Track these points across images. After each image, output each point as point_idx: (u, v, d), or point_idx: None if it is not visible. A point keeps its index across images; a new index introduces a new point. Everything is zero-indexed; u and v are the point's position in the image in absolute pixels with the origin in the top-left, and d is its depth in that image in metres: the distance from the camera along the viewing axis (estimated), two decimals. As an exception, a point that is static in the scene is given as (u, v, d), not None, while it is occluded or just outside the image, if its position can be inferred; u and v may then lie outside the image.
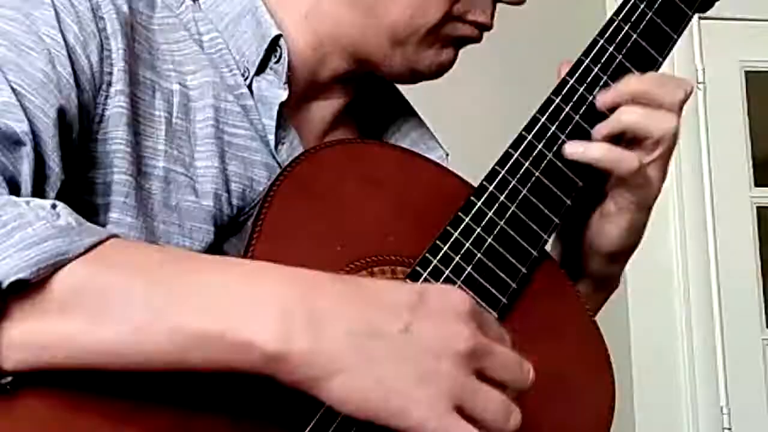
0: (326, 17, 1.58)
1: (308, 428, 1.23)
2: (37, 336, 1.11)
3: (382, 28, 1.55)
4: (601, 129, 1.54)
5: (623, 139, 1.54)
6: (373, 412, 1.13)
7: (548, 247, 1.57)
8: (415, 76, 1.62)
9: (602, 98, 1.56)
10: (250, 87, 1.55)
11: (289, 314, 1.12)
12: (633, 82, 1.56)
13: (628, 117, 1.53)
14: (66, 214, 1.15)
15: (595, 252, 1.62)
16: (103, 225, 1.37)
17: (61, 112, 1.32)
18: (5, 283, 1.07)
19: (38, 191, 1.28)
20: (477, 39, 1.62)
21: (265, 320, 1.12)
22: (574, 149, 1.53)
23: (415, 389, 1.12)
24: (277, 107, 1.53)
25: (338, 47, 1.59)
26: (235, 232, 1.50)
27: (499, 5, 1.61)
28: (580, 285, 1.64)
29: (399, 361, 1.13)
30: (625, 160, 1.52)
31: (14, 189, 1.24)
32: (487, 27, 1.61)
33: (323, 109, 1.66)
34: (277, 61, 1.54)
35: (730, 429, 4.10)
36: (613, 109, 1.55)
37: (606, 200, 1.58)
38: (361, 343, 1.13)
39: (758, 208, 4.33)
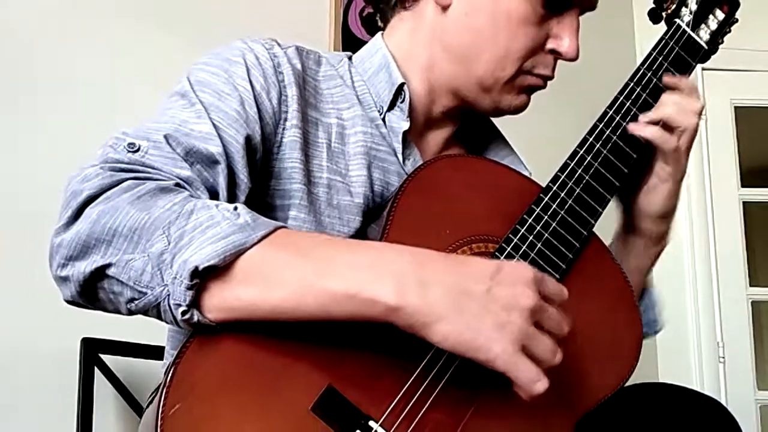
0: (437, 70, 1.60)
1: (425, 360, 1.25)
2: (226, 302, 1.16)
3: (473, 78, 1.57)
4: (645, 117, 1.57)
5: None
6: (464, 349, 1.15)
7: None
8: (499, 112, 1.63)
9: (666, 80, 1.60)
10: (384, 119, 1.57)
11: (404, 279, 1.15)
12: (682, 80, 1.61)
13: (667, 109, 1.56)
14: (244, 213, 1.19)
15: (647, 216, 1.64)
16: (285, 220, 1.42)
17: (248, 139, 1.37)
18: (201, 267, 1.12)
19: (232, 195, 1.34)
20: (542, 87, 1.62)
21: (387, 283, 1.14)
22: (635, 127, 1.57)
23: (493, 333, 1.15)
24: (401, 134, 1.56)
25: (445, 90, 1.61)
26: (375, 218, 1.51)
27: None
28: (639, 241, 1.67)
29: (482, 312, 1.15)
30: (669, 140, 1.55)
31: (214, 195, 1.30)
32: (550, 77, 1.61)
33: (437, 136, 1.68)
34: (402, 101, 1.57)
35: (723, 357, 4.07)
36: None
37: (650, 177, 1.61)
38: (456, 299, 1.15)
39: (744, 202, 4.30)
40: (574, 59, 1.59)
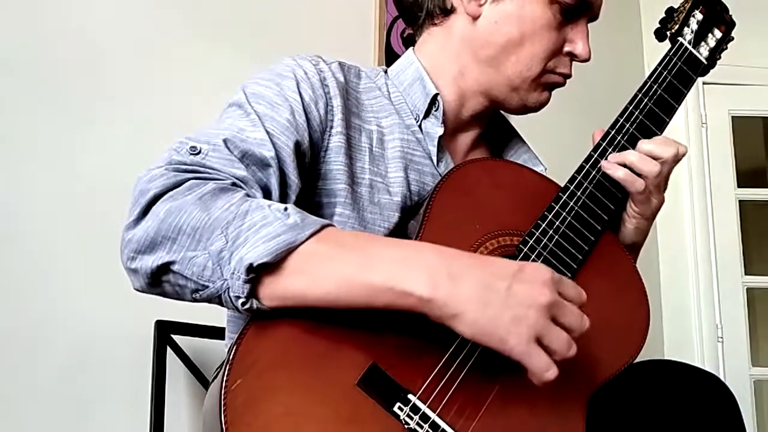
0: (468, 76, 1.60)
1: (452, 346, 1.26)
2: (279, 292, 1.16)
3: (504, 79, 1.58)
4: (611, 157, 1.55)
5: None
6: (486, 339, 1.16)
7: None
8: (525, 109, 1.63)
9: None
10: (420, 126, 1.57)
11: (435, 274, 1.15)
12: (644, 143, 1.55)
13: (630, 155, 1.53)
14: (294, 213, 1.18)
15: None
16: (331, 216, 1.43)
17: (297, 145, 1.37)
18: (255, 264, 1.13)
19: (283, 194, 1.34)
20: (562, 84, 1.63)
21: (420, 278, 1.15)
22: (607, 165, 1.54)
23: (512, 326, 1.15)
24: (437, 139, 1.56)
25: (475, 94, 1.61)
26: (413, 215, 1.51)
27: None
28: None
29: (504, 307, 1.15)
30: (636, 182, 1.52)
31: (267, 193, 1.31)
32: (569, 76, 1.62)
33: (465, 138, 1.67)
34: (436, 110, 1.57)
35: (722, 337, 4.07)
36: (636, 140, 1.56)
37: (623, 212, 1.58)
38: (481, 294, 1.15)
39: (740, 201, 4.29)
40: (587, 60, 1.61)
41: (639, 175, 1.52)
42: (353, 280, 1.15)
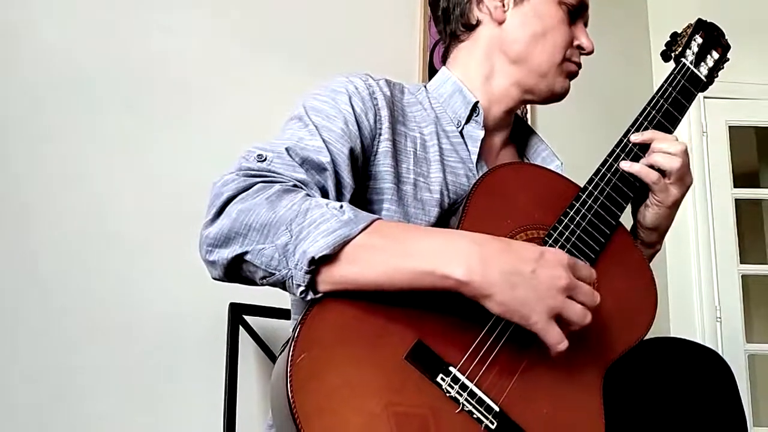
0: (497, 76, 1.64)
1: (487, 325, 1.27)
2: (334, 278, 1.17)
3: (533, 67, 1.62)
4: (643, 160, 1.57)
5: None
6: (512, 315, 1.18)
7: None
8: (551, 95, 1.66)
9: (636, 137, 1.58)
10: (461, 132, 1.59)
11: (470, 259, 1.17)
12: (651, 134, 1.58)
13: (656, 157, 1.55)
14: (348, 210, 1.20)
15: (643, 227, 1.62)
16: (379, 212, 1.43)
17: (351, 151, 1.39)
18: (317, 257, 1.14)
19: (339, 194, 1.35)
20: (576, 73, 1.66)
21: (457, 263, 1.16)
22: (626, 165, 1.55)
23: (535, 304, 1.18)
24: (479, 141, 1.59)
25: (506, 90, 1.65)
26: (450, 211, 1.52)
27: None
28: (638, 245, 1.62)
29: (528, 288, 1.18)
30: (650, 175, 1.54)
31: (324, 193, 1.32)
32: (580, 65, 1.66)
33: (495, 138, 1.68)
34: (477, 116, 1.59)
35: (720, 318, 4.03)
36: (646, 146, 1.57)
37: (647, 200, 1.59)
38: (508, 278, 1.17)
39: (736, 199, 4.24)
40: (592, 51, 1.66)
41: (657, 169, 1.55)
42: (400, 267, 1.17)
